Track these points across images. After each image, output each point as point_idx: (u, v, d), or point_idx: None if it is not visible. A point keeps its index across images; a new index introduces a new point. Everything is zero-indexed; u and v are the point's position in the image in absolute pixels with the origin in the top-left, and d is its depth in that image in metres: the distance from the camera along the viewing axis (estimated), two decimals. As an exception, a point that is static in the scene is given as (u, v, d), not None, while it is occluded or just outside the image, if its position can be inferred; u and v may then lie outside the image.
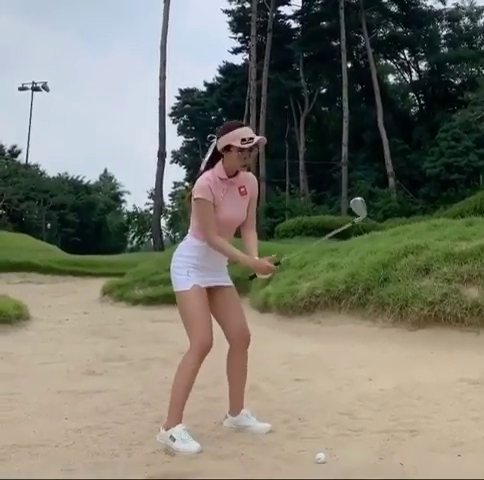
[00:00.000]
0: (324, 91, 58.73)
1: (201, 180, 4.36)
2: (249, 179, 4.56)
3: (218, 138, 4.39)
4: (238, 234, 4.65)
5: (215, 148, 4.43)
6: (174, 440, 4.18)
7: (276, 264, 4.41)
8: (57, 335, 10.11)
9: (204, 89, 62.93)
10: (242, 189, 4.49)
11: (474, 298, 8.05)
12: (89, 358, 7.83)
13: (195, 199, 4.34)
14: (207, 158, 4.48)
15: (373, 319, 8.89)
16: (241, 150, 4.31)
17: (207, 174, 4.39)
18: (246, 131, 4.36)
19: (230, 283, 4.62)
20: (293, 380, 6.26)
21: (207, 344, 4.32)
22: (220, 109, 61.72)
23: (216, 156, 4.43)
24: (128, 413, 5.24)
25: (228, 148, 4.33)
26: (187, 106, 63.10)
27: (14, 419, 5.08)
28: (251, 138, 4.31)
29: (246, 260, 4.39)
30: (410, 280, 8.75)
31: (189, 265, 4.42)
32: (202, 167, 4.49)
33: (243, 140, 4.29)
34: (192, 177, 58.67)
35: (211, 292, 4.50)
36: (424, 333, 8.16)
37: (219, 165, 4.41)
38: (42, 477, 3.75)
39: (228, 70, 59.29)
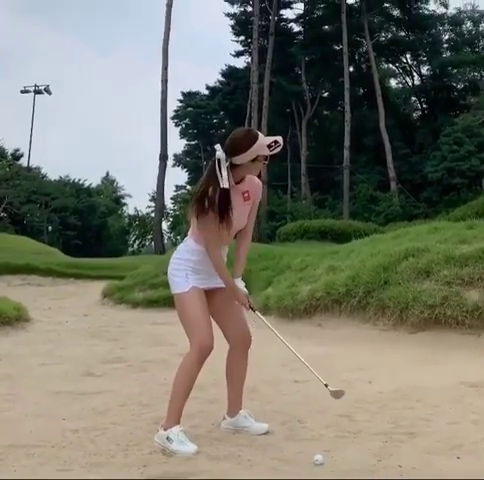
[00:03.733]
0: (326, 94, 58.83)
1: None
2: (253, 182, 4.42)
3: (236, 154, 4.17)
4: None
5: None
6: (171, 441, 4.14)
7: (251, 308, 4.50)
8: (56, 337, 10.11)
9: (206, 92, 62.98)
10: (246, 194, 4.37)
11: (474, 301, 8.02)
12: (88, 360, 7.82)
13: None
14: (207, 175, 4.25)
15: (373, 322, 8.87)
16: (267, 158, 4.26)
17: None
18: (263, 137, 4.22)
19: None
20: (292, 382, 6.23)
21: (208, 346, 4.27)
22: (222, 112, 61.78)
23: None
24: (126, 414, 5.22)
25: (254, 159, 4.23)
26: (189, 109, 63.15)
27: (12, 419, 5.07)
28: (276, 141, 4.19)
29: (229, 283, 4.41)
30: (411, 283, 8.73)
31: (187, 268, 4.38)
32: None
33: (269, 146, 4.18)
34: (194, 180, 58.76)
35: (210, 294, 4.45)
36: (424, 336, 8.14)
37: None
38: (38, 477, 3.73)
39: (230, 73, 59.43)
